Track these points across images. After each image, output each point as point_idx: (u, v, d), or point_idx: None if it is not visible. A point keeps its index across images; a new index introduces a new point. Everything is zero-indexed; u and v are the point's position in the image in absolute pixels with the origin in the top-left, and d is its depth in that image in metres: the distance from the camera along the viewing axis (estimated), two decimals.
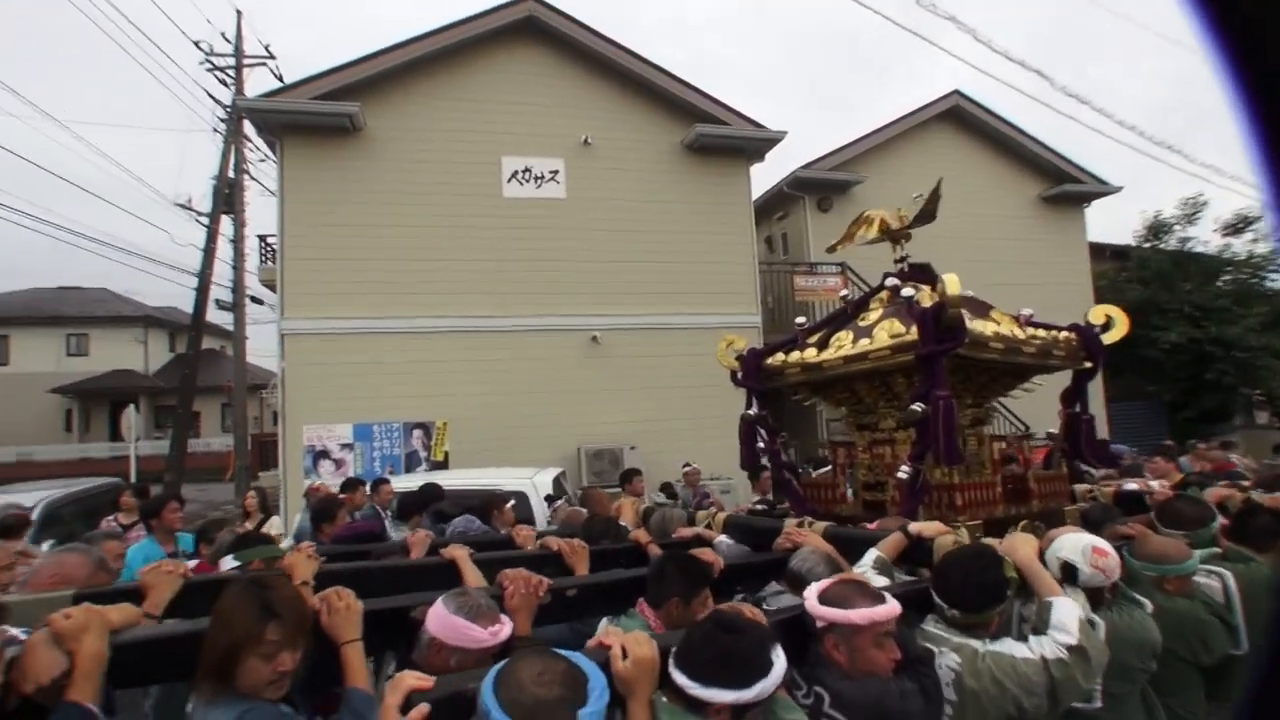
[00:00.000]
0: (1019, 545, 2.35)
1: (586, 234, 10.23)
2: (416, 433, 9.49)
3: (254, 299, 15.40)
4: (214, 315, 18.49)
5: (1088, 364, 3.92)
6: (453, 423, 9.49)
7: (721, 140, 10.77)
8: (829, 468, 4.53)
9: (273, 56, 15.48)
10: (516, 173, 10.15)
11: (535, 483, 6.30)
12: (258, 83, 9.63)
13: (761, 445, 4.07)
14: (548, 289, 10.03)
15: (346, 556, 2.99)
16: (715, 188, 10.97)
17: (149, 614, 1.96)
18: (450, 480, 6.53)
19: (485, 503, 4.86)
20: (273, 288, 9.64)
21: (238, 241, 14.75)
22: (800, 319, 4.54)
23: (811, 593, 1.93)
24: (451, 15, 10.04)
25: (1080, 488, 4.23)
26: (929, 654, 1.98)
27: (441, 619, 1.78)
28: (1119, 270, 16.66)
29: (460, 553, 2.61)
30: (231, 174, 14.57)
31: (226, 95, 14.45)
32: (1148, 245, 16.72)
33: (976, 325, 3.39)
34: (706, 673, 1.50)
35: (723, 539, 3.35)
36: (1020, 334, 3.63)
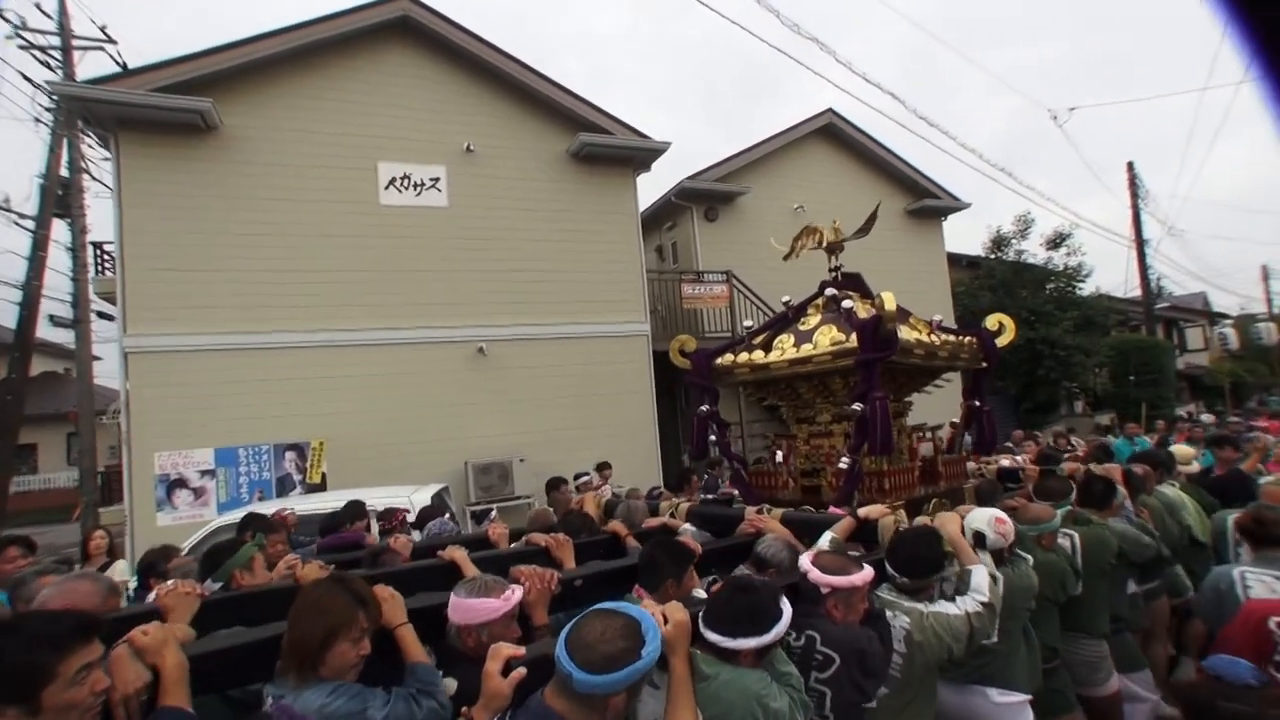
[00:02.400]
0: (947, 523, 2.92)
1: (470, 243, 9.91)
2: (289, 454, 8.80)
3: (102, 315, 13.68)
4: (53, 334, 16.46)
5: (984, 364, 4.46)
6: (330, 442, 8.88)
7: (607, 150, 10.76)
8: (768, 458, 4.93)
9: (111, 40, 13.84)
10: (395, 179, 9.68)
11: (412, 500, 6.10)
12: (93, 70, 8.49)
13: (713, 439, 4.45)
14: (430, 300, 9.61)
15: (341, 565, 3.01)
16: (602, 197, 10.95)
17: None
18: (320, 503, 6.26)
19: (335, 524, 4.93)
20: (112, 300, 8.64)
21: (77, 249, 13.15)
22: (683, 335, 4.82)
23: (810, 566, 2.35)
24: (323, 10, 9.43)
25: (970, 466, 4.88)
26: (882, 611, 2.50)
27: (460, 606, 2.05)
28: (973, 278, 18.21)
29: (459, 553, 2.81)
30: (66, 172, 12.98)
31: (47, 80, 12.59)
32: (993, 256, 18.42)
33: (902, 332, 3.79)
34: (733, 627, 1.90)
35: (687, 527, 3.63)
36: (936, 340, 4.14)
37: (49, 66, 13.10)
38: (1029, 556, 3.07)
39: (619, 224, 11.05)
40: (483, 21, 11.00)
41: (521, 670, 1.66)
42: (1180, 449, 6.23)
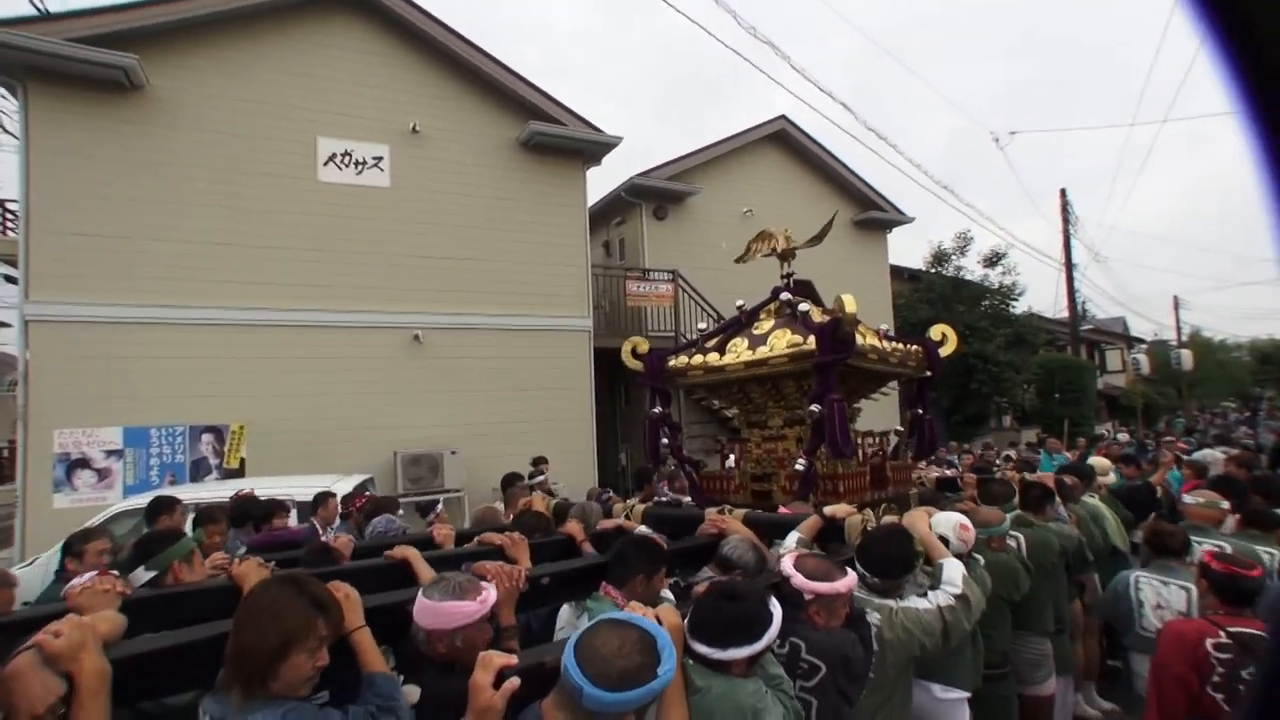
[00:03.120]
0: (916, 521, 2.93)
1: (411, 226, 9.62)
2: (206, 437, 8.38)
3: (9, 279, 12.78)
4: None
5: (929, 373, 4.56)
6: (252, 426, 8.50)
7: (557, 140, 10.58)
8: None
9: None
10: (335, 156, 9.31)
11: (336, 490, 5.85)
12: (9, 14, 7.79)
13: (665, 441, 4.44)
14: (367, 283, 9.29)
15: (279, 564, 2.68)
16: (550, 188, 10.77)
17: None
18: (228, 491, 5.94)
19: (267, 512, 4.60)
20: (14, 263, 8.05)
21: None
22: (636, 336, 4.85)
23: (793, 570, 2.27)
24: None
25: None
26: (863, 612, 2.41)
27: (431, 610, 1.87)
28: (913, 291, 18.72)
29: (411, 552, 2.65)
30: None
31: None
32: (933, 271, 18.98)
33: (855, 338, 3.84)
34: (723, 637, 1.80)
35: (643, 529, 3.52)
36: (887, 346, 4.23)
37: None
38: (980, 558, 3.12)
39: (566, 217, 10.89)
40: (441, 3, 10.72)
41: (515, 681, 1.52)
42: (1099, 461, 6.81)
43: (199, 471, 8.21)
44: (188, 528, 4.86)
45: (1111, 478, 6.39)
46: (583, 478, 9.87)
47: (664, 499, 5.67)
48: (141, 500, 5.97)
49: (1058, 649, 3.83)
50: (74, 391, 7.68)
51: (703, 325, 5.66)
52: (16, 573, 5.50)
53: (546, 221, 10.67)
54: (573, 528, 3.36)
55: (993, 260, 19.33)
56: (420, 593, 1.94)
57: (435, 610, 1.88)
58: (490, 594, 1.97)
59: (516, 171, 10.51)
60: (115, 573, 2.50)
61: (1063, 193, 22.44)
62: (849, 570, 2.34)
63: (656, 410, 4.49)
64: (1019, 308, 19.64)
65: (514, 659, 1.59)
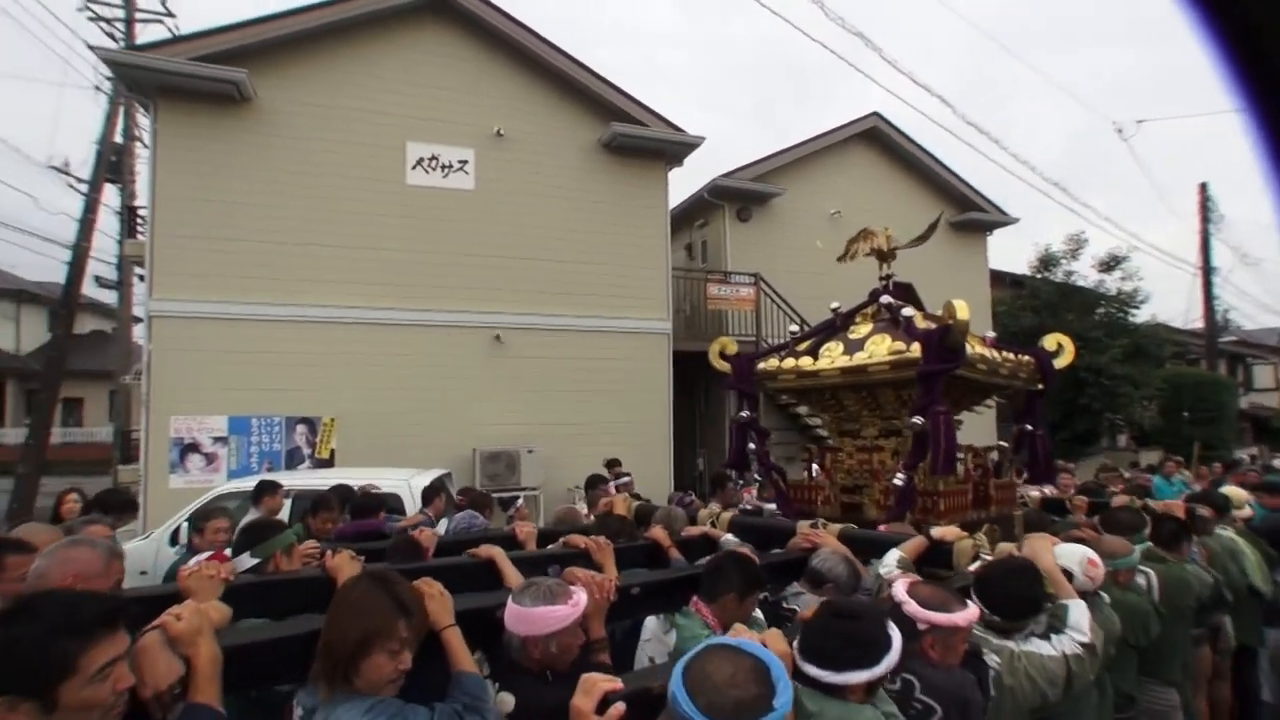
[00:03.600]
0: (1041, 553, 2.64)
1: (495, 228, 9.87)
2: (300, 428, 8.89)
3: (143, 278, 14.17)
4: (101, 294, 17.09)
5: (1041, 385, 4.28)
6: (342, 419, 8.95)
7: (639, 141, 10.60)
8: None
9: (170, 14, 14.30)
10: (422, 160, 9.68)
11: (412, 485, 6.07)
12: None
13: (752, 447, 4.27)
14: (450, 283, 9.59)
15: (367, 555, 2.70)
16: (631, 190, 10.79)
17: None
18: (323, 480, 6.22)
19: (378, 505, 4.72)
20: (143, 264, 8.83)
21: (124, 213, 13.60)
22: (724, 338, 4.71)
23: (905, 596, 2.07)
24: None
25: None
26: (979, 650, 2.18)
27: (524, 616, 1.86)
28: (1015, 297, 17.55)
29: (497, 552, 2.62)
30: (120, 138, 13.41)
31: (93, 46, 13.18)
32: (1039, 276, 17.70)
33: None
34: (838, 660, 1.65)
35: (729, 537, 3.42)
36: (997, 356, 3.95)
37: (113, 38, 13.62)
38: (1105, 595, 2.81)
39: (647, 218, 10.88)
40: (527, 9, 11.05)
41: (621, 706, 1.43)
42: (1234, 491, 5.83)
43: (293, 460, 8.70)
44: (285, 512, 5.21)
45: (1248, 510, 5.54)
46: (658, 481, 9.80)
47: (749, 507, 5.47)
48: (242, 484, 6.42)
49: (1182, 699, 3.47)
50: (188, 382, 8.33)
51: (794, 328, 5.38)
52: (135, 544, 6.03)
53: (628, 223, 10.70)
54: (658, 533, 3.27)
55: (1110, 264, 17.77)
56: (510, 599, 1.93)
57: (527, 616, 1.86)
58: (581, 597, 1.94)
59: (598, 173, 10.60)
60: (228, 551, 2.74)
61: (1202, 187, 20.43)
62: (968, 602, 2.11)
63: (744, 414, 4.34)
64: (1140, 317, 17.97)
65: (618, 683, 1.50)
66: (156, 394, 8.27)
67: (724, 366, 4.41)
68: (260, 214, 8.74)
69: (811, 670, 1.66)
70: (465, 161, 9.84)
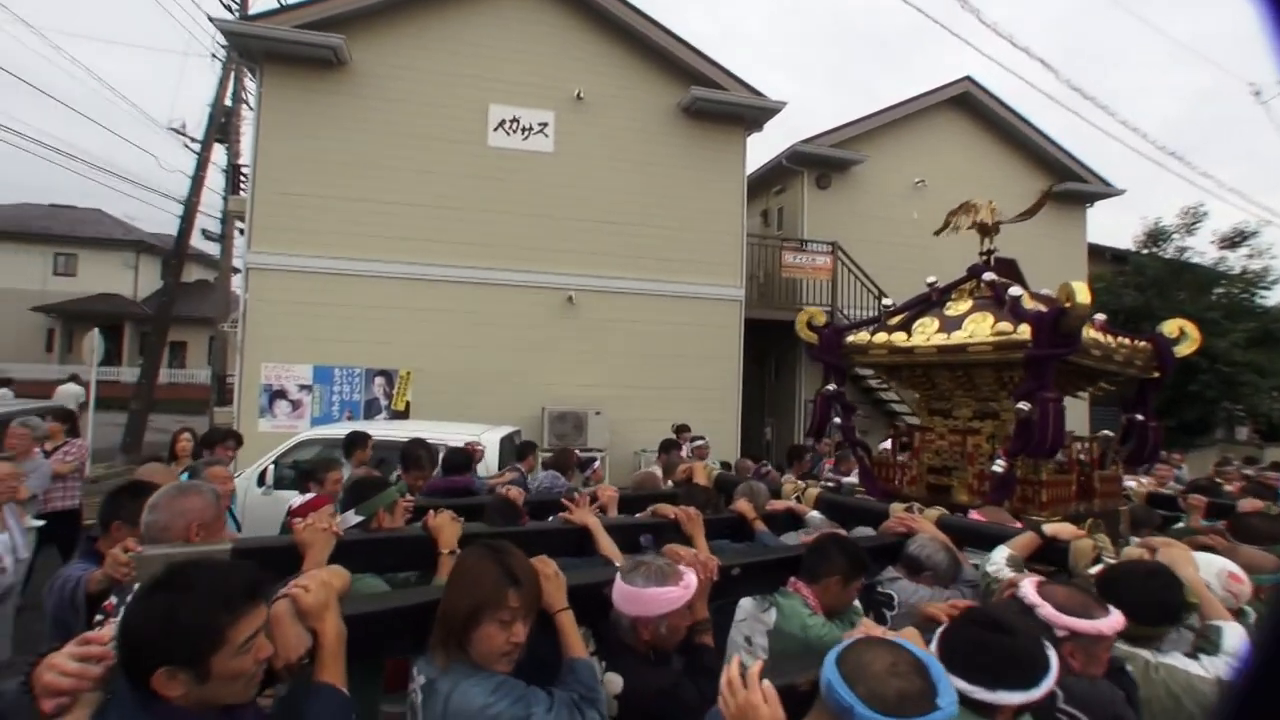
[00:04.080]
0: (1181, 564, 2.31)
1: (571, 191, 9.95)
2: (379, 380, 9.32)
3: (243, 231, 15.07)
4: (206, 246, 18.26)
5: (1157, 374, 4.04)
6: (417, 373, 9.32)
7: (719, 106, 10.41)
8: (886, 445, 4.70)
9: None
10: (504, 122, 9.82)
11: (483, 440, 6.23)
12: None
13: (838, 420, 4.20)
14: (526, 244, 9.77)
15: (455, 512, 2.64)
16: (709, 155, 10.64)
17: None
18: (396, 431, 6.40)
19: (466, 462, 4.74)
20: (244, 218, 9.36)
21: (230, 171, 14.41)
22: (812, 307, 4.60)
23: (1039, 599, 1.89)
24: None
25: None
26: (1123, 664, 1.95)
27: (635, 597, 1.82)
28: (1117, 274, 16.43)
29: (593, 520, 2.61)
30: (229, 102, 14.18)
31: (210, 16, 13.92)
32: (1146, 252, 16.46)
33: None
34: (992, 676, 1.48)
35: (815, 514, 3.39)
36: (1112, 342, 3.73)
37: (230, 9, 14.35)
38: (1251, 611, 2.42)
39: (724, 184, 10.72)
40: None
41: (773, 691, 1.33)
42: None
43: (371, 411, 9.14)
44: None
45: None
46: (726, 449, 9.80)
47: (828, 482, 5.39)
48: (323, 431, 6.79)
49: None
50: (278, 331, 8.84)
51: (887, 301, 5.04)
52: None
53: (704, 188, 10.58)
54: (743, 506, 3.23)
55: (1235, 240, 16.12)
56: (620, 577, 1.88)
57: (638, 597, 1.82)
58: (691, 578, 1.89)
59: (676, 137, 10.50)
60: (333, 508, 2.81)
61: None
62: (1110, 608, 1.89)
63: (831, 387, 4.22)
64: (1271, 299, 16.27)
65: (764, 682, 1.38)
66: (250, 341, 8.83)
67: (810, 337, 4.31)
68: (351, 173, 9.10)
69: (960, 684, 1.46)
70: (545, 124, 9.91)
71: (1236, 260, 16.20)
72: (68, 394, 9.75)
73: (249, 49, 9.01)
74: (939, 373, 3.92)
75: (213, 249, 17.02)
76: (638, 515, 3.09)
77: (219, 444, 5.50)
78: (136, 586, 1.50)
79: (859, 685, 1.21)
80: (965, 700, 1.45)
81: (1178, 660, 2.03)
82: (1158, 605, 2.08)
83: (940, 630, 1.63)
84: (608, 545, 2.49)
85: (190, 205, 13.64)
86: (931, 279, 4.22)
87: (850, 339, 4.21)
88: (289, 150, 8.95)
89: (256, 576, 1.39)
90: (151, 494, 2.17)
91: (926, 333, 3.84)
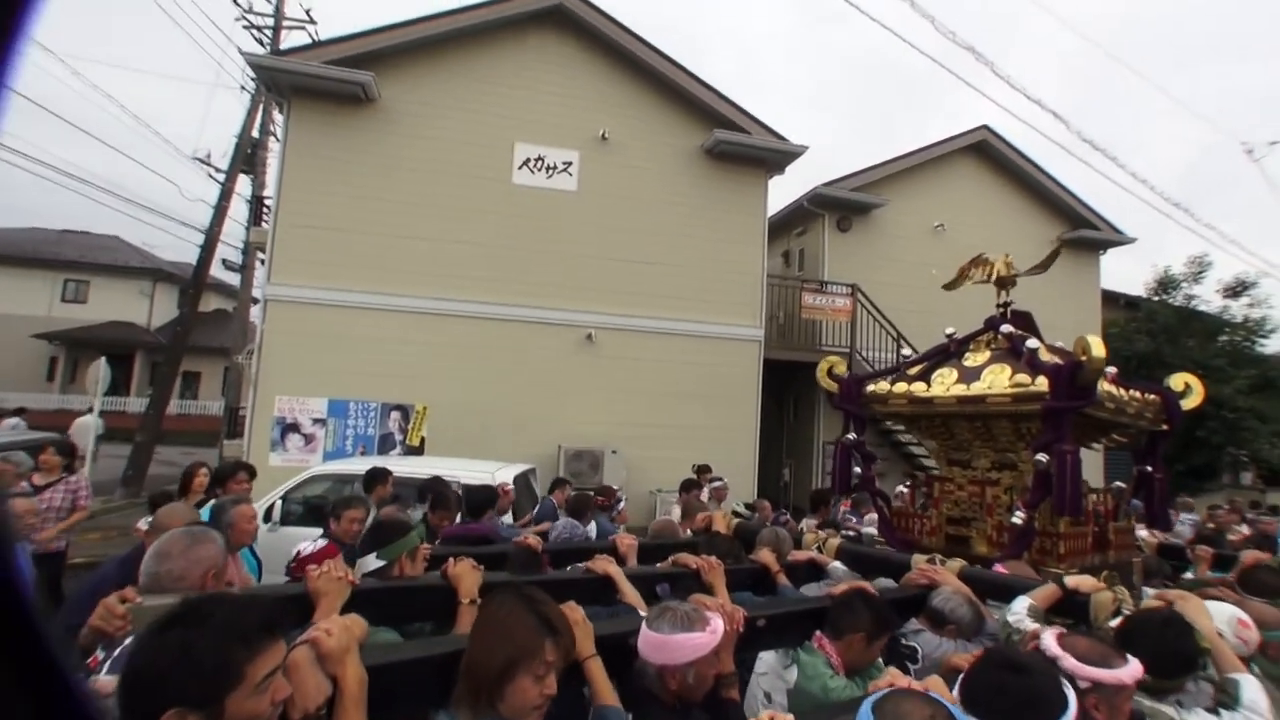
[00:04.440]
0: (1195, 613, 2.34)
1: (594, 230, 9.94)
2: (394, 414, 9.16)
3: (264, 262, 15.10)
4: (227, 275, 18.29)
5: (1165, 426, 4.11)
6: (434, 408, 9.17)
7: (741, 149, 10.47)
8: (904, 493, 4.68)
9: (313, 21, 15.22)
10: (529, 160, 9.86)
11: (495, 477, 6.05)
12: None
13: (858, 470, 4.20)
14: (547, 281, 9.72)
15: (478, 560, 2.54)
16: (731, 196, 10.67)
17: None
18: (411, 467, 6.34)
19: (490, 501, 4.60)
20: (264, 250, 9.33)
21: (253, 201, 14.51)
22: (833, 356, 4.61)
23: (1059, 650, 1.88)
24: None
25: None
26: (1143, 716, 1.95)
27: (661, 645, 1.77)
28: (1129, 320, 16.43)
29: (614, 569, 2.57)
30: (256, 133, 14.33)
31: (241, 50, 14.21)
32: (1157, 299, 16.52)
33: None
34: (1010, 717, 1.49)
35: (837, 565, 3.36)
36: (1125, 395, 3.79)
37: (261, 43, 14.64)
38: (1255, 668, 2.45)
39: (745, 225, 10.72)
40: (635, 16, 11.13)
41: None
42: None
43: (385, 446, 8.97)
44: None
45: None
46: (743, 490, 9.59)
47: (848, 532, 5.26)
48: (333, 467, 6.62)
49: None
50: (294, 363, 8.73)
51: (906, 351, 5.11)
52: None
53: (725, 229, 10.58)
54: (766, 557, 3.17)
55: (1237, 290, 16.41)
56: (645, 624, 1.84)
57: (665, 644, 1.77)
58: (718, 624, 1.84)
59: (699, 179, 10.53)
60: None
61: None
62: (1129, 657, 1.90)
63: (851, 436, 4.23)
64: (1270, 347, 16.53)
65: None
66: (265, 373, 8.71)
67: (831, 386, 4.34)
68: (374, 208, 9.10)
69: None
70: (570, 163, 9.95)
71: (1238, 309, 16.44)
72: (85, 427, 9.53)
73: (277, 83, 9.09)
74: (958, 423, 3.96)
75: (233, 279, 17.03)
76: (658, 565, 3.01)
77: (230, 478, 5.28)
78: (129, 640, 1.40)
79: None
80: None
81: (1201, 716, 2.03)
82: (1174, 655, 2.10)
83: (962, 676, 1.63)
84: (632, 594, 2.43)
85: (212, 234, 13.63)
86: (950, 330, 4.27)
87: (870, 388, 4.24)
88: (312, 183, 8.97)
89: (278, 615, 1.31)
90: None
91: (946, 383, 3.88)
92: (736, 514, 6.71)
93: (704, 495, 6.90)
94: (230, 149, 13.92)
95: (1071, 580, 2.68)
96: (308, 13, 15.23)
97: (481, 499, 4.51)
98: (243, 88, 14.35)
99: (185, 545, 2.03)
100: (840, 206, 12.55)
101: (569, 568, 2.99)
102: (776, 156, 10.79)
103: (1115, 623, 2.43)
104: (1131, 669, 1.83)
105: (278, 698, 1.23)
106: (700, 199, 10.49)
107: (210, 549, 2.06)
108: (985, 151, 13.59)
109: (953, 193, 13.31)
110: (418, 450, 8.94)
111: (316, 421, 8.84)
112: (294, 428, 8.75)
